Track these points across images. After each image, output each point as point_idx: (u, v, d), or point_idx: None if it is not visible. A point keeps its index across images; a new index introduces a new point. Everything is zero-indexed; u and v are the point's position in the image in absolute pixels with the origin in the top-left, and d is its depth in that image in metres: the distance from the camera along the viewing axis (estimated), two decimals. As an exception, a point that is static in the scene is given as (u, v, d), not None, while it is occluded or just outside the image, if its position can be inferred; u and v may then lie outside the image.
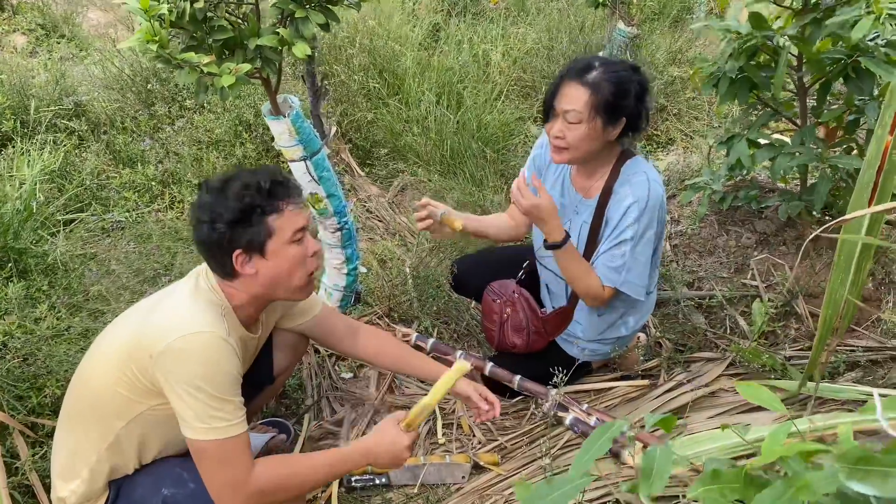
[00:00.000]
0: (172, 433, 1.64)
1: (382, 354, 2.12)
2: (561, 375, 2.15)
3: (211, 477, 1.56)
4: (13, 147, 3.70)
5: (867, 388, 2.14)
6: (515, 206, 2.09)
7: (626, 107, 2.03)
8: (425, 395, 1.73)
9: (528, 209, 2.05)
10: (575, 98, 1.98)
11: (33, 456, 2.05)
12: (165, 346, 1.51)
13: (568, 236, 2.10)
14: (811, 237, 1.29)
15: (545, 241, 2.13)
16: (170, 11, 1.71)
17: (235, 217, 1.58)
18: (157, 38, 1.64)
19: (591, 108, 1.98)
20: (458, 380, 1.80)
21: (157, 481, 1.65)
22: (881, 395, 0.69)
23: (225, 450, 1.54)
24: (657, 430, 1.80)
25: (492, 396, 2.08)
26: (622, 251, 2.10)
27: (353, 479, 2.14)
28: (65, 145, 3.82)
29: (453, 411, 2.46)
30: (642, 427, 1.78)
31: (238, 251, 1.60)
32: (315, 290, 2.78)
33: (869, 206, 1.35)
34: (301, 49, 1.88)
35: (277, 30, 1.93)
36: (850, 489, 0.59)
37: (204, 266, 1.73)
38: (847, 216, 1.22)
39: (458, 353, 2.55)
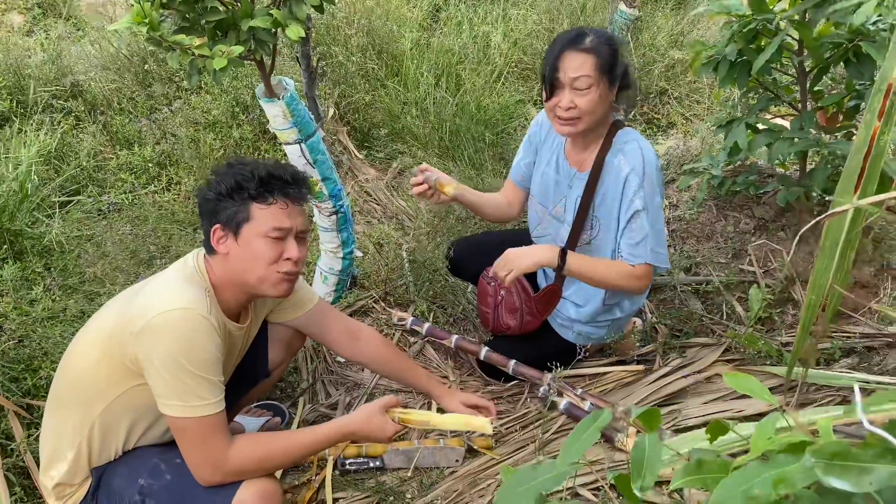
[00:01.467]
0: (153, 416, 1.65)
1: (380, 362, 2.13)
2: (558, 366, 2.16)
3: (190, 454, 1.58)
4: (10, 128, 3.69)
5: (862, 375, 2.14)
6: (502, 280, 2.14)
7: (620, 65, 2.07)
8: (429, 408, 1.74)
9: (510, 274, 2.11)
10: (581, 64, 2.00)
11: (28, 437, 2.06)
12: (145, 323, 1.52)
13: (563, 250, 2.12)
14: (807, 226, 1.29)
15: (556, 272, 2.17)
16: (160, -8, 1.70)
17: (224, 191, 1.63)
18: (147, 20, 1.62)
19: (598, 71, 2.00)
20: (471, 429, 1.92)
21: (135, 471, 1.65)
22: (862, 388, 0.68)
23: (203, 428, 1.56)
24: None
25: (481, 402, 2.13)
26: (639, 224, 2.09)
27: (347, 461, 2.14)
28: (62, 126, 3.80)
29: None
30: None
31: (218, 225, 1.64)
32: (310, 283, 2.79)
33: (855, 193, 1.34)
34: (294, 31, 1.86)
35: (271, 11, 1.91)
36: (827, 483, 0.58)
37: (200, 249, 1.75)
38: (836, 209, 1.21)
39: (454, 337, 2.55)
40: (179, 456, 1.61)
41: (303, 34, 1.89)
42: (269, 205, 1.63)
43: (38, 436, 2.06)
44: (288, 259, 1.67)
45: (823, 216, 1.16)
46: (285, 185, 1.66)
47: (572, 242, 2.23)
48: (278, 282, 1.68)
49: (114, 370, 1.60)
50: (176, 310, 1.53)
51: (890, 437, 0.54)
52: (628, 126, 2.21)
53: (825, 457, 0.56)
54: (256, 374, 2.01)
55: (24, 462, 2.03)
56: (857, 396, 0.60)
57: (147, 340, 1.52)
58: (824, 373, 2.17)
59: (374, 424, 1.77)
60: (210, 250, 1.69)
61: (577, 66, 2.00)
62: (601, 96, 2.03)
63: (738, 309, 2.63)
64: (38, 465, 1.98)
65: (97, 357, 1.61)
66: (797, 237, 1.81)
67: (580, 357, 2.31)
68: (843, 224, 1.52)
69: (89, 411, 1.63)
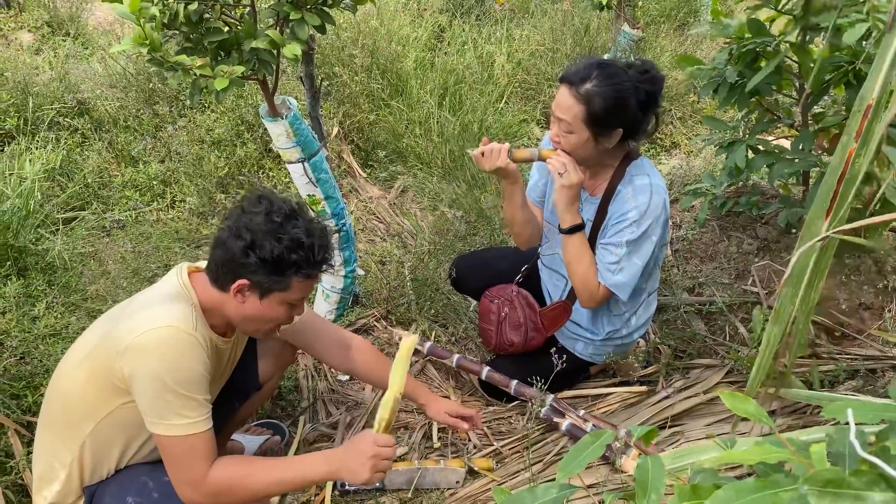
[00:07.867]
0: (145, 434, 1.64)
1: (368, 371, 2.09)
2: (541, 380, 2.14)
3: (172, 472, 1.58)
4: (16, 145, 3.72)
5: (866, 398, 2.12)
6: (559, 178, 2.02)
7: (620, 118, 1.98)
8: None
9: (575, 185, 2.01)
10: (566, 108, 1.97)
11: (27, 455, 2.05)
12: (131, 342, 1.51)
13: (583, 223, 2.09)
14: (798, 252, 1.27)
15: (560, 227, 2.10)
16: (161, 13, 1.71)
17: (273, 261, 1.56)
18: (148, 42, 1.63)
19: (580, 121, 1.96)
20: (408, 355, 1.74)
21: (124, 489, 1.64)
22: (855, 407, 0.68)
23: (185, 447, 1.55)
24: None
25: (465, 411, 2.07)
26: (618, 252, 2.08)
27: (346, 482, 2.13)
28: (67, 143, 3.83)
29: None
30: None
31: (246, 282, 1.59)
32: (311, 301, 2.79)
33: (827, 217, 1.33)
34: (291, 49, 1.87)
35: (268, 32, 1.92)
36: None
37: (184, 263, 1.73)
38: (810, 242, 1.20)
39: (455, 357, 2.54)
40: (168, 474, 1.60)
41: (298, 52, 1.90)
42: (309, 281, 1.63)
43: (36, 454, 2.06)
44: (294, 317, 1.74)
45: (801, 249, 1.16)
46: (329, 259, 1.66)
47: None
48: (269, 331, 1.75)
49: (101, 389, 1.59)
50: (161, 328, 1.53)
51: (883, 465, 0.53)
52: (643, 157, 2.19)
53: (819, 484, 0.56)
54: (247, 386, 2.00)
55: (22, 480, 2.02)
56: (852, 422, 0.59)
57: (133, 359, 1.51)
58: (828, 395, 2.15)
59: (353, 448, 1.65)
60: (219, 287, 1.64)
61: (564, 107, 1.97)
62: (580, 143, 2.00)
63: (742, 330, 2.62)
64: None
65: (85, 377, 1.60)
66: (791, 265, 1.79)
67: (558, 368, 2.24)
68: (811, 253, 1.47)
69: (79, 431, 1.62)
